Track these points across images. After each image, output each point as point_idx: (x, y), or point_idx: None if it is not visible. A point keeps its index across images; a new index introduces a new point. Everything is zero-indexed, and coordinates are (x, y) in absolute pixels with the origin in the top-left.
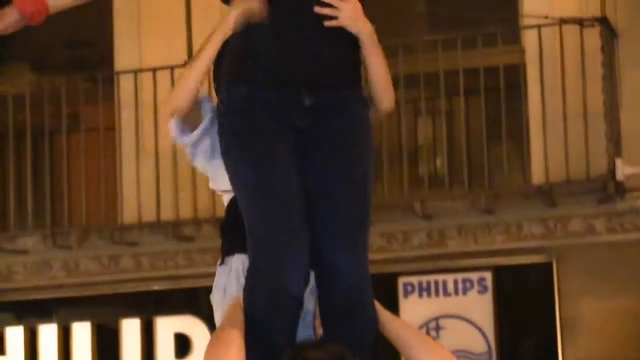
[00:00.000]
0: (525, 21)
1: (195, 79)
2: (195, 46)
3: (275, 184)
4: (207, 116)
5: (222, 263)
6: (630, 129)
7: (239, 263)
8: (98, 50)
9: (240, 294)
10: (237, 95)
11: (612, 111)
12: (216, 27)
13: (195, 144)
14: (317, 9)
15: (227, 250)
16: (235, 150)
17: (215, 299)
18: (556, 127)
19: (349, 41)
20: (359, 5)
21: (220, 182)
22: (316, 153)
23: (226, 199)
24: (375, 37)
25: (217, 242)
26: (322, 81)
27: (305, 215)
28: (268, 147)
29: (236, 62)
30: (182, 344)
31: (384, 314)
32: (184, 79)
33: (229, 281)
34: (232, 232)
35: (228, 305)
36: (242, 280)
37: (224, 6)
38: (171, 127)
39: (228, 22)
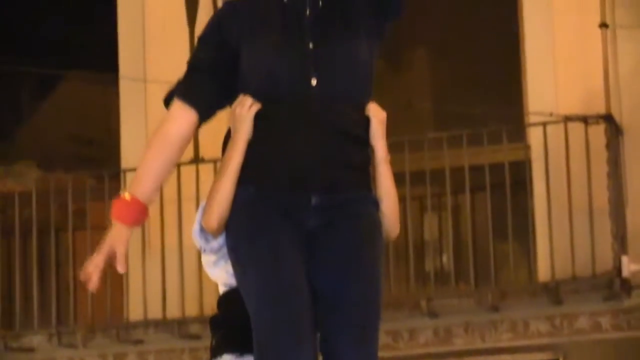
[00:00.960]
0: (531, 118)
1: (230, 188)
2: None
3: (282, 286)
4: None
5: None
6: (636, 225)
7: None
8: (104, 147)
9: None
10: (244, 198)
11: (618, 208)
12: (234, 129)
13: (218, 250)
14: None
15: (217, 349)
16: (242, 251)
17: None
18: (562, 224)
19: (358, 143)
20: (384, 124)
21: None
22: (325, 252)
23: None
24: (388, 161)
25: None
26: (330, 183)
27: (312, 316)
28: (275, 247)
29: (243, 165)
30: None
31: None
32: (219, 190)
33: None
34: (223, 330)
35: None
36: None
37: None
38: (195, 238)
39: (244, 125)
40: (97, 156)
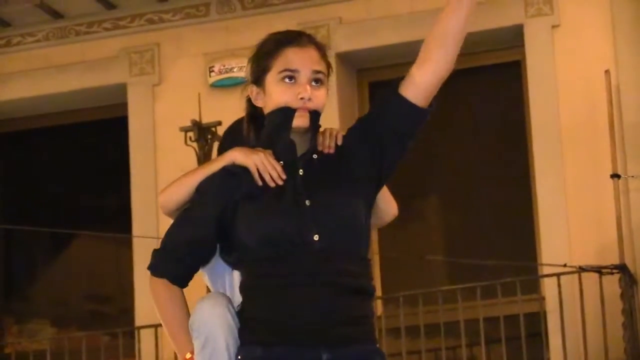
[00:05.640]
0: (545, 270)
1: (186, 193)
2: None
3: None
4: None
5: None
6: None
7: None
8: (118, 304)
9: None
10: (251, 358)
11: (634, 358)
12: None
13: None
14: None
15: None
16: None
17: None
18: None
19: (360, 295)
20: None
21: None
22: None
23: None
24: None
25: None
26: (339, 338)
27: None
28: None
29: (249, 323)
30: None
31: None
32: (179, 185)
33: None
34: None
35: None
36: None
37: None
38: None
39: (232, 157)
40: (111, 313)
